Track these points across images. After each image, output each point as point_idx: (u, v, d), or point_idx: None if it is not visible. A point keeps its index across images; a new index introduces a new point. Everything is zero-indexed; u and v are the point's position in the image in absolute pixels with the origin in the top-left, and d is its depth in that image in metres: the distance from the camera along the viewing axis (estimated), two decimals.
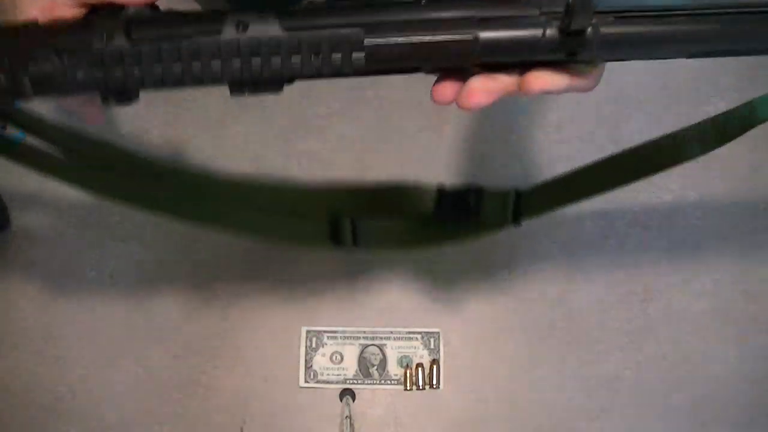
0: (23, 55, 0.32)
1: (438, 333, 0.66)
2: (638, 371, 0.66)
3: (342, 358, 0.65)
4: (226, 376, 0.65)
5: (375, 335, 0.66)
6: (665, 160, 0.55)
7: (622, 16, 0.32)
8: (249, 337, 0.66)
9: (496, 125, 0.71)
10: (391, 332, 0.66)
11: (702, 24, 0.33)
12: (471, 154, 0.70)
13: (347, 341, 0.66)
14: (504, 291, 0.68)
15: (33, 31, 0.32)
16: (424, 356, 0.66)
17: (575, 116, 0.71)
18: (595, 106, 0.72)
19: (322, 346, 0.66)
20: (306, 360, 0.65)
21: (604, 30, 0.32)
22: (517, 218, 0.57)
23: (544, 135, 0.71)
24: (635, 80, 0.72)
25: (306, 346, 0.66)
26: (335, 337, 0.66)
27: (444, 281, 0.68)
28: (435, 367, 0.65)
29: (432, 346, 0.66)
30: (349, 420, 0.64)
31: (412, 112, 0.71)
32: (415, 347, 0.66)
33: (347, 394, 0.65)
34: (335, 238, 0.57)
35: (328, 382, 0.65)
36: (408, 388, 0.65)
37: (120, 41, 0.32)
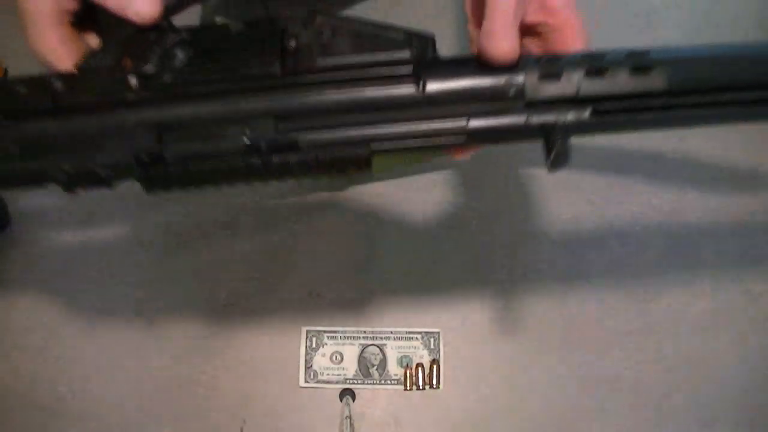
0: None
1: (438, 333, 0.66)
2: (638, 371, 0.66)
3: (342, 358, 0.66)
4: (226, 376, 0.65)
5: (375, 335, 0.66)
6: None
7: (596, 111, 0.35)
8: (249, 337, 0.66)
9: None
10: (391, 332, 0.66)
11: (674, 112, 0.35)
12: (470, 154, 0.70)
13: (347, 341, 0.66)
14: (504, 291, 0.68)
15: None
16: (424, 356, 0.66)
17: None
18: None
19: (322, 346, 0.66)
20: (306, 360, 0.65)
21: (576, 121, 0.35)
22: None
23: None
24: None
25: (306, 346, 0.66)
26: (335, 337, 0.66)
27: (444, 281, 0.68)
28: (435, 367, 0.65)
29: (432, 346, 0.66)
30: (349, 420, 0.64)
31: None
32: (415, 347, 0.66)
33: (347, 394, 0.65)
34: None
35: (328, 382, 0.65)
36: (408, 388, 0.65)
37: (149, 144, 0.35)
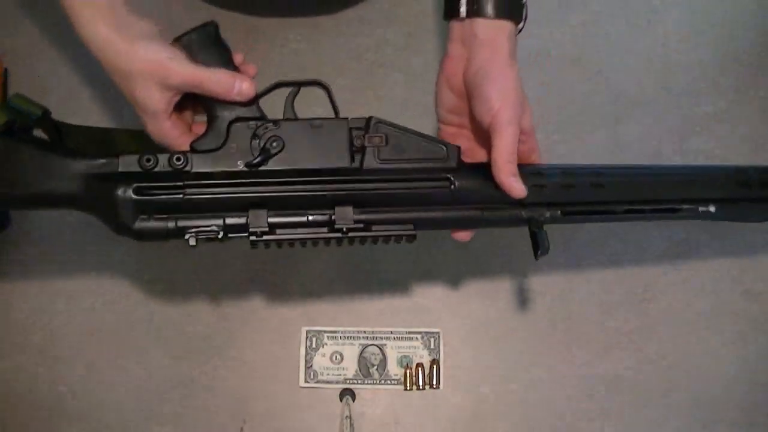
0: None
1: (438, 333, 0.66)
2: (638, 371, 0.66)
3: (342, 358, 0.66)
4: (226, 376, 0.65)
5: (375, 335, 0.66)
6: None
7: (567, 212, 0.50)
8: (249, 337, 0.66)
9: None
10: (391, 332, 0.66)
11: (614, 216, 0.51)
12: None
13: (347, 341, 0.66)
14: (504, 291, 0.68)
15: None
16: (424, 356, 0.66)
17: (575, 116, 0.71)
18: (595, 106, 0.72)
19: (322, 346, 0.66)
20: (306, 360, 0.65)
21: (551, 217, 0.50)
22: None
23: (544, 135, 0.71)
24: (635, 80, 0.72)
25: (306, 346, 0.66)
26: (335, 337, 0.66)
27: (444, 281, 0.68)
28: (435, 367, 0.65)
29: (432, 346, 0.66)
30: (349, 420, 0.64)
31: (411, 113, 0.71)
32: (415, 347, 0.66)
33: (347, 394, 0.65)
34: None
35: (328, 382, 0.65)
36: (408, 388, 0.65)
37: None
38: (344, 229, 0.46)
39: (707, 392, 0.66)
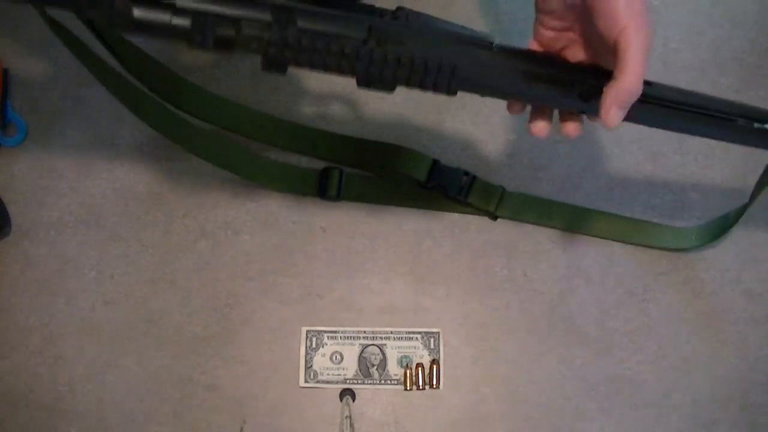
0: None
1: (438, 333, 0.66)
2: (638, 371, 0.66)
3: (342, 358, 0.66)
4: (226, 376, 0.65)
5: (375, 335, 0.66)
6: (633, 239, 0.69)
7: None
8: (249, 337, 0.66)
9: (496, 126, 0.71)
10: (391, 332, 0.66)
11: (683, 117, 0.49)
12: (471, 153, 0.70)
13: (347, 341, 0.66)
14: (504, 291, 0.68)
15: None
16: (424, 356, 0.66)
17: None
18: None
19: (322, 346, 0.66)
20: (306, 360, 0.65)
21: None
22: (496, 212, 0.69)
23: None
24: None
25: (306, 346, 0.66)
26: (335, 337, 0.66)
27: (444, 281, 0.68)
28: (435, 367, 0.65)
29: (432, 346, 0.66)
30: (349, 420, 0.64)
31: (412, 113, 0.71)
32: (415, 347, 0.66)
33: (347, 394, 0.65)
34: (322, 188, 0.68)
35: (328, 382, 0.65)
36: (408, 388, 0.65)
37: (291, 30, 0.40)
38: (372, 39, 0.41)
39: (707, 392, 0.66)
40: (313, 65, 0.42)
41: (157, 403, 0.64)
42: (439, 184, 0.67)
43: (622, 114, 0.43)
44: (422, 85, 0.44)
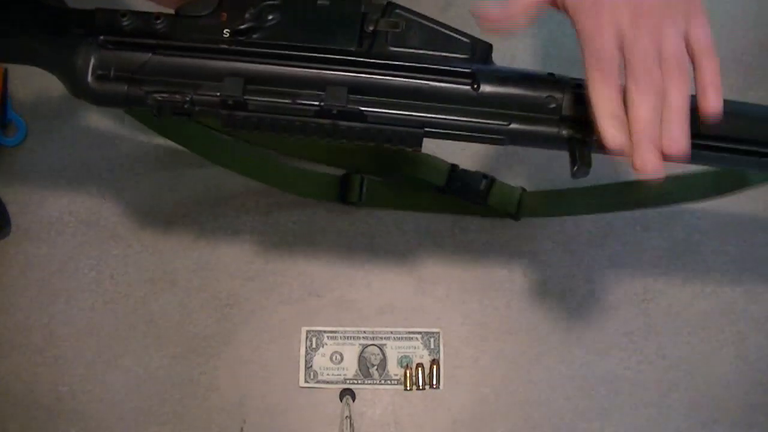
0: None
1: (438, 333, 0.66)
2: (638, 371, 0.66)
3: (342, 358, 0.66)
4: (226, 376, 0.65)
5: (375, 335, 0.66)
6: (657, 199, 0.64)
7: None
8: (249, 337, 0.66)
9: None
10: (391, 332, 0.66)
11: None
12: (471, 154, 0.70)
13: (347, 341, 0.66)
14: (504, 291, 0.68)
15: None
16: (424, 356, 0.66)
17: None
18: None
19: (322, 346, 0.66)
20: (306, 360, 0.65)
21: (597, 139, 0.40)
22: (517, 213, 0.68)
23: None
24: None
25: (306, 346, 0.66)
26: (335, 337, 0.66)
27: (444, 281, 0.68)
28: (435, 367, 0.65)
29: (432, 346, 0.66)
30: (349, 420, 0.64)
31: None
32: (415, 347, 0.66)
33: (347, 394, 0.65)
34: (343, 194, 0.68)
35: (328, 382, 0.65)
36: (408, 388, 0.65)
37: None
38: (333, 113, 0.39)
39: (707, 392, 0.66)
40: (266, 129, 0.41)
41: (157, 403, 0.64)
42: (458, 188, 0.67)
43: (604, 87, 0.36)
44: (388, 143, 0.42)
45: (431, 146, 0.70)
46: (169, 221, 0.68)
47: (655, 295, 0.68)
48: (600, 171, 0.71)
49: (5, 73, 0.70)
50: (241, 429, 0.64)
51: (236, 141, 0.66)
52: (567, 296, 0.68)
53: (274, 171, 0.67)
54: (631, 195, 0.63)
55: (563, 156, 0.66)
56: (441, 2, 0.74)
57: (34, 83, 0.70)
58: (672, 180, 0.60)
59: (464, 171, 0.67)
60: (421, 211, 0.69)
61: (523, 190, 0.68)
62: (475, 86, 0.40)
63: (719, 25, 0.74)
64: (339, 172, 0.69)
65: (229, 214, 0.68)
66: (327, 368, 0.65)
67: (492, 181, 0.67)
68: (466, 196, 0.67)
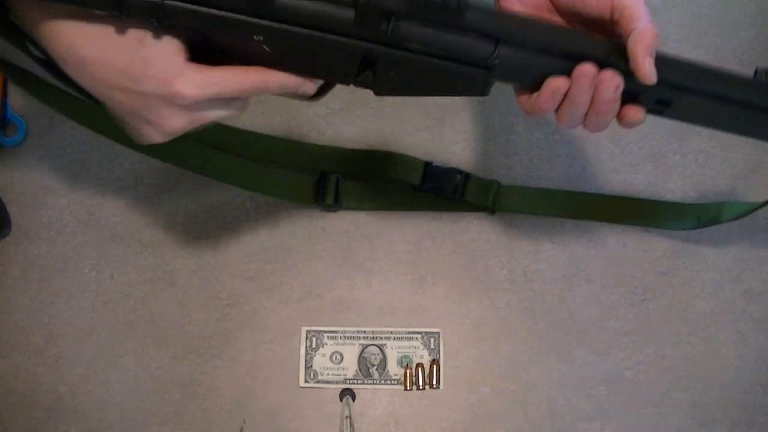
0: None
1: (438, 333, 0.66)
2: (638, 371, 0.66)
3: (342, 358, 0.66)
4: (226, 376, 0.65)
5: (375, 335, 0.66)
6: (633, 219, 0.69)
7: None
8: (249, 337, 0.66)
9: (496, 125, 0.71)
10: (391, 332, 0.66)
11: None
12: (471, 153, 0.70)
13: (347, 341, 0.66)
14: (504, 291, 0.68)
15: None
16: (424, 356, 0.66)
17: None
18: None
19: (322, 346, 0.66)
20: (306, 360, 0.65)
21: None
22: (494, 207, 0.68)
23: (544, 135, 0.71)
24: None
25: (306, 346, 0.66)
26: (335, 337, 0.66)
27: (444, 281, 0.68)
28: (435, 367, 0.65)
29: (432, 346, 0.66)
30: (349, 420, 0.64)
31: (412, 113, 0.71)
32: (415, 347, 0.66)
33: (347, 394, 0.65)
34: (318, 194, 0.67)
35: (328, 382, 0.65)
36: (408, 388, 0.65)
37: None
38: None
39: (707, 392, 0.66)
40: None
41: (157, 403, 0.64)
42: (434, 186, 0.67)
43: (653, 62, 0.42)
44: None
45: (424, 143, 0.70)
46: (169, 221, 0.68)
47: (655, 295, 0.68)
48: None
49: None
50: (241, 429, 0.64)
51: (211, 151, 0.65)
52: (567, 296, 0.68)
53: (250, 174, 0.66)
54: (615, 212, 0.69)
55: (558, 157, 0.66)
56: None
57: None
58: (654, 203, 0.65)
59: (438, 167, 0.67)
60: (399, 210, 0.69)
61: (499, 183, 0.68)
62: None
63: (719, 25, 0.74)
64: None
65: (228, 214, 0.68)
66: (327, 368, 0.65)
67: (467, 176, 0.67)
68: (442, 192, 0.67)
